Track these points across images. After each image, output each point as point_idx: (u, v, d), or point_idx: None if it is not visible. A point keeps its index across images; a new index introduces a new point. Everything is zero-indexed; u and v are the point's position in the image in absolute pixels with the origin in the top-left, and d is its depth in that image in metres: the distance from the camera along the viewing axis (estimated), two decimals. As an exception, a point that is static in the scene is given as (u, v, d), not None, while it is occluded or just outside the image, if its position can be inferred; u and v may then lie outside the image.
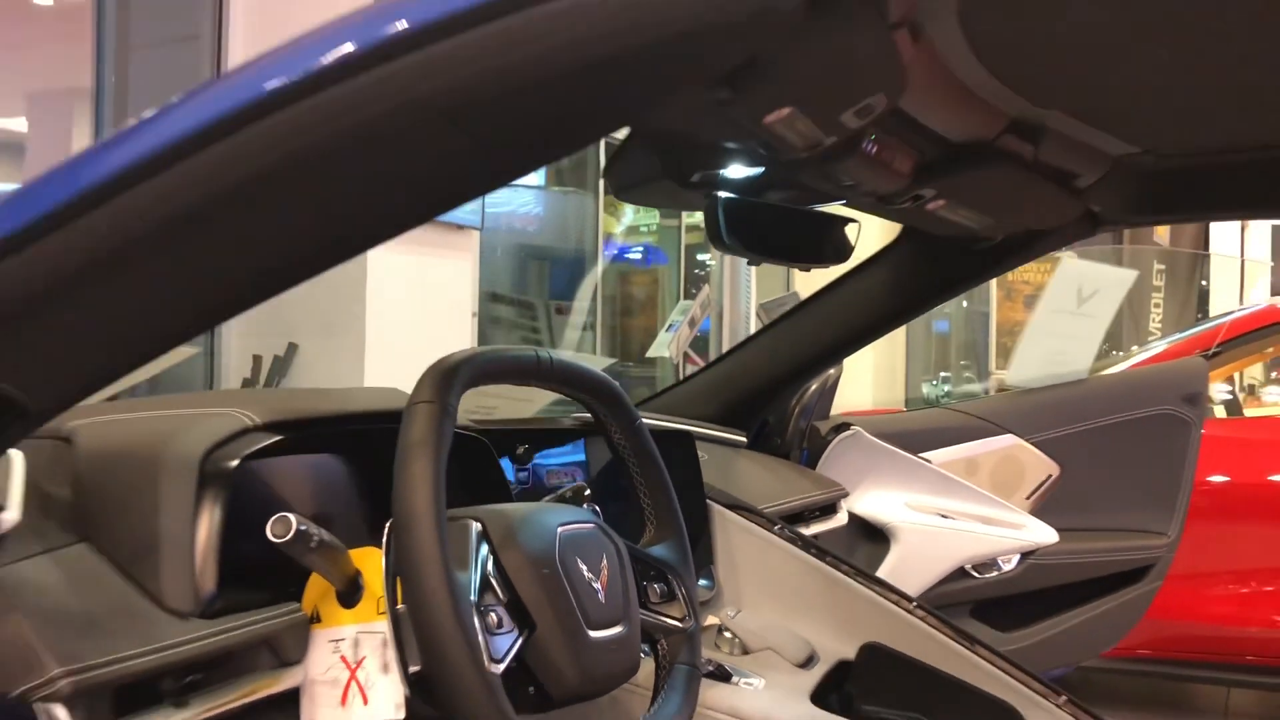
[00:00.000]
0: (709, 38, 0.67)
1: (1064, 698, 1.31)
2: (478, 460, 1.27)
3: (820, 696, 1.31)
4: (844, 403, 2.69)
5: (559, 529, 1.03)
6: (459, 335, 4.15)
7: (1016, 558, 2.40)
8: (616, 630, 1.03)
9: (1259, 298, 9.60)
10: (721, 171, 1.31)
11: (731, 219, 1.36)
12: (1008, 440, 2.51)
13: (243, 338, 4.00)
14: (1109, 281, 2.78)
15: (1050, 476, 2.51)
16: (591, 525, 1.07)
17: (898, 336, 7.89)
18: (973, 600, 2.39)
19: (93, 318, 0.74)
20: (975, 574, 2.36)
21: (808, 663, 1.40)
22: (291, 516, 0.89)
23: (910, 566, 2.26)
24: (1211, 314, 7.47)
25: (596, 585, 1.02)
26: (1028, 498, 2.52)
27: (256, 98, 0.68)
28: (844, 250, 1.57)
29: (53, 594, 0.87)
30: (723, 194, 1.35)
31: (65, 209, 0.71)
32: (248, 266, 0.75)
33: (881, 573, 2.25)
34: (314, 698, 0.99)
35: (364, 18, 0.69)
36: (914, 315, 2.31)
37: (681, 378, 3.43)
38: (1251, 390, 4.90)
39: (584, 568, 1.02)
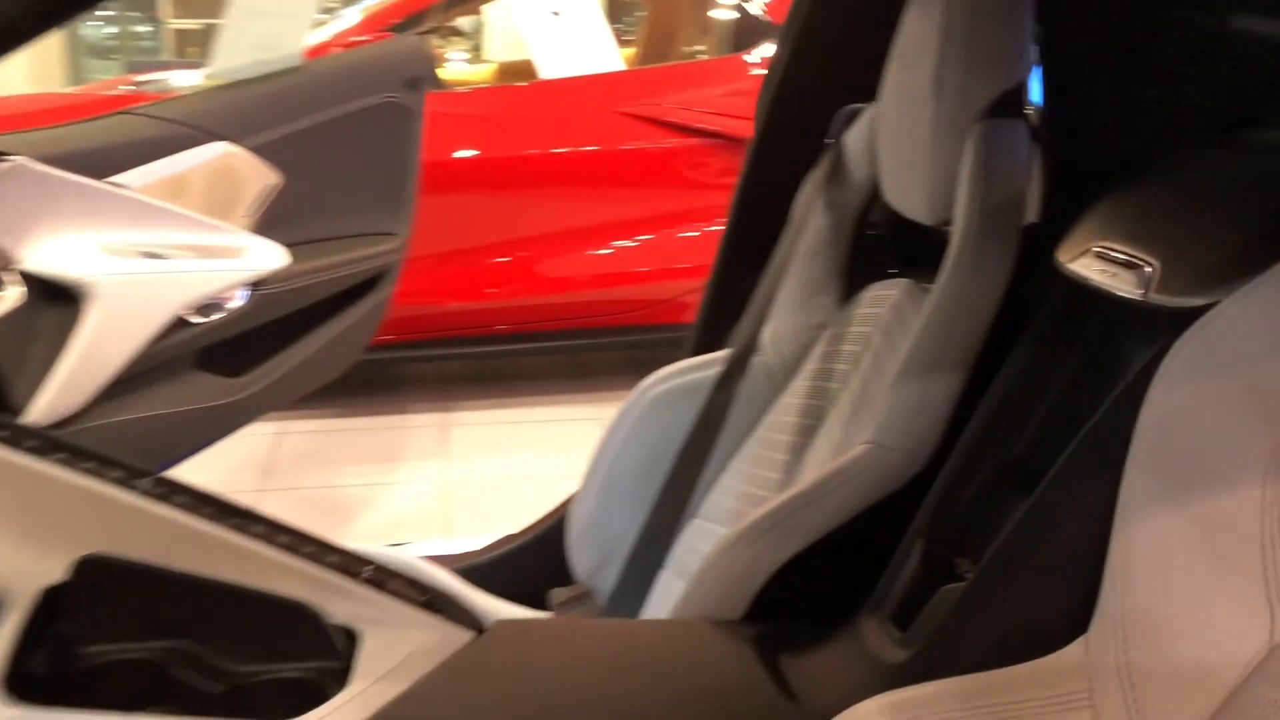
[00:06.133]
0: None
1: (370, 568, 1.02)
2: None
3: (22, 656, 0.88)
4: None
5: None
6: None
7: (244, 291, 2.04)
8: None
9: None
10: None
11: None
12: (219, 148, 2.07)
13: None
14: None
15: (270, 186, 2.14)
16: None
17: None
18: (197, 349, 2.01)
19: None
20: (198, 319, 1.97)
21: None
22: None
23: (115, 329, 1.81)
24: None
25: None
26: (247, 215, 2.14)
27: None
28: None
29: None
30: None
31: None
32: None
33: (79, 344, 1.76)
34: None
35: None
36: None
37: None
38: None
39: None
